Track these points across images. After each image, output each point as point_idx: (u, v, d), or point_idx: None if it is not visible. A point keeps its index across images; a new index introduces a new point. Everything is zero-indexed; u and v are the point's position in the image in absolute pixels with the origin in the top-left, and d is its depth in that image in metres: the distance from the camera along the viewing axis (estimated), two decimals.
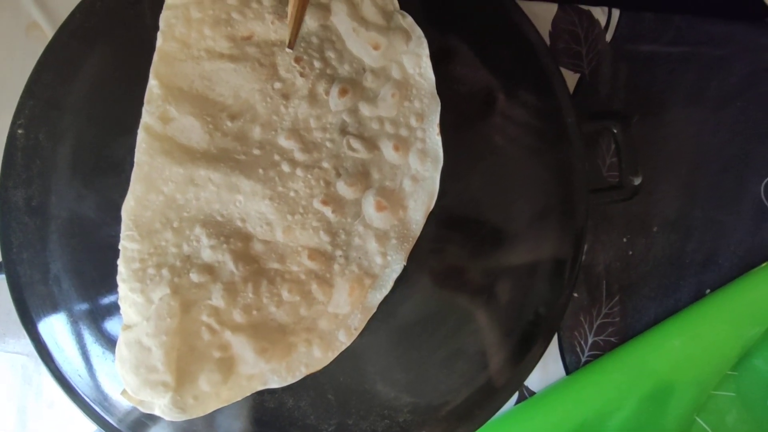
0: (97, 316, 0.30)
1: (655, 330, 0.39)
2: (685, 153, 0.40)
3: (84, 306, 0.30)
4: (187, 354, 0.26)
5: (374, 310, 0.28)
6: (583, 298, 0.40)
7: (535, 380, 0.39)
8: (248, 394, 0.27)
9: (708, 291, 0.40)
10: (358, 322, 0.28)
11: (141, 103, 0.28)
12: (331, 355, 0.27)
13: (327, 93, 0.28)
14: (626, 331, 0.40)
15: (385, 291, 0.28)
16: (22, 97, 0.31)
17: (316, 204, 0.28)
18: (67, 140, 0.31)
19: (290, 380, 0.27)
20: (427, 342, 0.30)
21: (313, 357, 0.27)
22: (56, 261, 0.30)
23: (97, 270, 0.30)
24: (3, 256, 0.31)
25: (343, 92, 0.28)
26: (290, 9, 0.25)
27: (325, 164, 0.28)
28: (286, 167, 0.28)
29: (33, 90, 0.31)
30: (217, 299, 0.26)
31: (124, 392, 0.27)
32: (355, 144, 0.28)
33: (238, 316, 0.27)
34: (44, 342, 0.31)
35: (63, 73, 0.31)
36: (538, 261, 0.31)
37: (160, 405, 0.26)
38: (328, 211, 0.28)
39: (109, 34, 0.31)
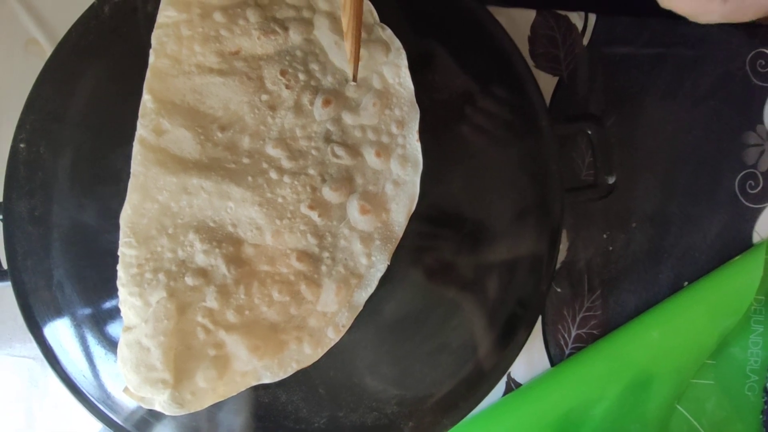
0: (99, 319, 0.32)
1: (635, 322, 0.40)
2: (662, 151, 0.41)
3: (86, 310, 0.32)
4: (184, 353, 0.28)
5: (361, 308, 0.29)
6: (565, 292, 0.41)
7: (521, 372, 0.41)
8: (243, 389, 0.28)
9: (686, 283, 0.41)
10: (346, 320, 0.29)
11: (136, 116, 0.29)
12: (321, 351, 0.29)
13: (311, 104, 0.30)
14: (608, 324, 0.41)
15: (371, 290, 0.29)
16: (23, 112, 0.32)
17: (303, 209, 0.29)
18: (67, 152, 0.32)
19: (282, 375, 0.28)
20: (412, 337, 0.32)
21: (304, 353, 0.29)
22: (59, 268, 0.32)
23: (98, 275, 0.31)
24: (8, 264, 0.32)
25: (326, 102, 0.29)
26: (348, 47, 0.27)
27: (311, 171, 0.29)
28: (273, 174, 0.29)
29: (34, 105, 0.32)
30: (211, 301, 0.28)
31: (126, 390, 0.28)
32: (339, 151, 0.29)
33: (231, 317, 0.28)
34: (50, 345, 0.32)
35: (62, 89, 0.32)
36: (517, 257, 0.33)
37: (159, 401, 0.27)
38: (314, 216, 0.29)
39: (105, 51, 0.33)
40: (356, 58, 0.28)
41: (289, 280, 0.29)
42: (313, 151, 0.29)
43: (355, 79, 0.29)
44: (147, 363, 0.27)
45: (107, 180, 0.31)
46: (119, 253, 0.28)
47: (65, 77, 0.33)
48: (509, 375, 0.40)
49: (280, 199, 0.29)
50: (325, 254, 0.29)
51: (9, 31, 0.40)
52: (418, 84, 0.30)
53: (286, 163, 0.29)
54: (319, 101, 0.29)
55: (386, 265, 0.29)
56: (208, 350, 0.28)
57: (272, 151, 0.29)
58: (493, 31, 0.33)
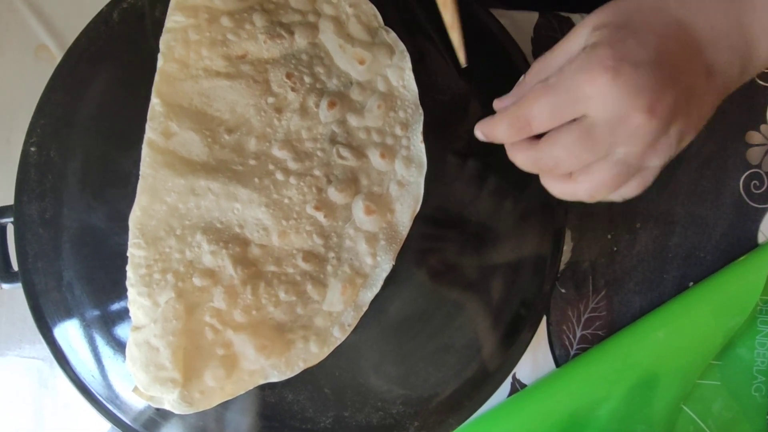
0: (108, 320, 0.32)
1: (640, 322, 0.40)
2: None
3: (96, 311, 0.32)
4: (192, 352, 0.28)
5: (366, 308, 0.29)
6: (570, 293, 0.41)
7: (526, 373, 0.41)
8: (250, 387, 0.29)
9: (691, 284, 0.41)
10: (351, 319, 0.29)
11: (145, 119, 0.30)
12: (327, 350, 0.29)
13: (317, 106, 0.30)
14: (613, 325, 0.41)
15: (376, 289, 0.29)
16: (34, 116, 0.33)
17: (309, 209, 0.29)
18: (77, 156, 0.33)
19: (289, 374, 0.29)
20: (416, 337, 0.32)
21: (310, 352, 0.29)
22: (69, 269, 0.32)
23: (107, 277, 0.32)
24: (19, 266, 0.33)
25: (331, 105, 0.30)
26: (455, 38, 0.29)
27: (317, 172, 0.30)
28: (280, 176, 0.30)
29: (44, 109, 0.33)
30: (219, 301, 0.28)
31: (135, 389, 0.28)
32: (345, 153, 0.30)
33: (238, 316, 0.28)
34: (59, 346, 0.32)
35: (72, 93, 0.33)
36: (521, 258, 0.33)
37: (169, 400, 0.28)
38: (320, 216, 0.29)
39: (114, 56, 0.33)
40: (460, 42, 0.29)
41: (295, 280, 0.29)
42: (319, 153, 0.30)
43: (465, 63, 0.30)
44: (156, 362, 0.28)
45: (116, 183, 0.32)
46: (128, 254, 0.29)
47: (75, 82, 0.33)
48: (514, 376, 0.40)
49: (286, 200, 0.29)
50: (331, 254, 0.29)
51: (19, 37, 0.41)
52: (422, 86, 0.30)
53: (292, 165, 0.30)
54: (324, 103, 0.30)
55: (391, 265, 0.29)
56: (216, 350, 0.28)
57: (278, 152, 0.30)
58: (496, 33, 0.34)
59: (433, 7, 0.33)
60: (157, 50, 0.30)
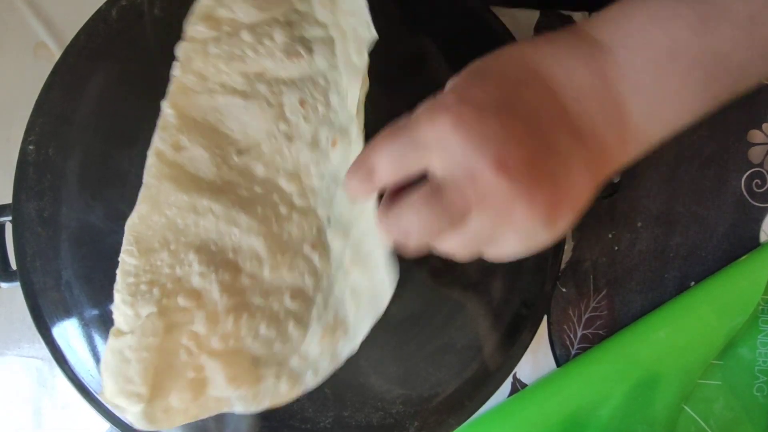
0: (106, 319, 0.31)
1: (641, 322, 0.40)
2: (667, 149, 0.41)
3: (94, 310, 0.32)
4: (163, 371, 0.27)
5: (342, 364, 0.28)
6: (571, 293, 0.41)
7: (526, 373, 0.40)
8: (215, 413, 0.28)
9: (692, 283, 0.41)
10: (326, 368, 0.28)
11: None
12: (295, 393, 0.28)
13: (327, 140, 0.29)
14: (614, 324, 0.41)
15: (354, 346, 0.27)
16: (32, 114, 0.33)
17: (306, 249, 0.29)
18: (75, 154, 0.33)
19: (254, 409, 0.28)
20: (416, 337, 0.32)
21: (279, 392, 0.28)
22: (67, 268, 0.32)
23: (106, 276, 0.31)
24: (18, 265, 0.33)
25: (334, 143, 0.29)
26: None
27: (320, 211, 0.29)
28: (283, 210, 0.29)
29: (42, 107, 0.33)
30: (199, 325, 0.28)
31: (102, 394, 0.28)
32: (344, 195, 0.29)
33: (215, 343, 0.28)
34: (58, 345, 0.32)
35: (70, 91, 0.33)
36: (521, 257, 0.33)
37: (132, 412, 0.27)
38: (315, 257, 0.29)
39: (113, 53, 0.33)
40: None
41: (278, 317, 0.28)
42: (324, 192, 0.29)
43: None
44: (125, 375, 0.27)
45: (115, 181, 0.32)
46: (119, 259, 0.29)
47: (73, 80, 0.33)
48: (515, 376, 0.40)
49: (285, 236, 0.29)
50: (318, 297, 0.29)
51: (18, 35, 0.41)
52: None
53: (297, 200, 0.29)
54: (330, 141, 0.29)
55: (371, 325, 0.27)
56: (187, 372, 0.28)
57: (285, 185, 0.29)
58: (497, 31, 0.33)
59: (433, 4, 0.33)
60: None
